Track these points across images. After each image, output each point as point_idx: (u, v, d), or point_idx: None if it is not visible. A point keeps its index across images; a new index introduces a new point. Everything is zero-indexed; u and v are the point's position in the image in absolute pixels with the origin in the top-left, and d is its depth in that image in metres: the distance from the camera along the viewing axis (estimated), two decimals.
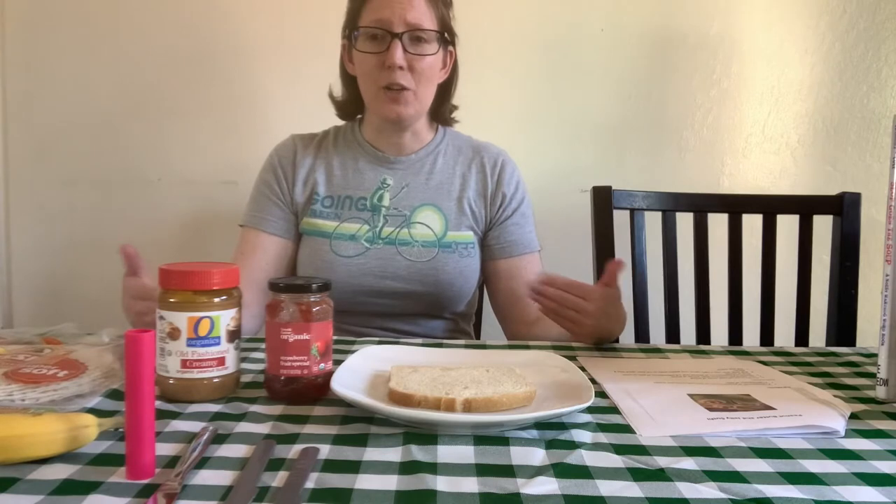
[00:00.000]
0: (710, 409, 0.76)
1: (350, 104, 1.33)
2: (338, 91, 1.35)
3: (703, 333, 1.44)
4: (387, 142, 1.30)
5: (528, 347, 1.03)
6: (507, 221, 1.30)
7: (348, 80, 1.31)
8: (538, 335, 1.20)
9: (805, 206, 1.48)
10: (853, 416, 0.76)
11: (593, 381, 0.85)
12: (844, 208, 1.46)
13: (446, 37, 1.24)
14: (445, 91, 1.31)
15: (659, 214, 1.46)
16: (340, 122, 1.37)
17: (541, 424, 0.70)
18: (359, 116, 1.35)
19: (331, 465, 0.60)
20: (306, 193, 1.28)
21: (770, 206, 1.48)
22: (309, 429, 0.68)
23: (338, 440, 0.65)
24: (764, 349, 1.11)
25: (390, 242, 1.25)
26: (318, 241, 1.25)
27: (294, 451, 0.63)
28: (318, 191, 1.28)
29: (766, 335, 1.45)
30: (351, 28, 1.24)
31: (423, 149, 1.31)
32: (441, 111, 1.33)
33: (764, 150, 1.77)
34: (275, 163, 1.31)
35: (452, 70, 1.31)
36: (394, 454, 0.62)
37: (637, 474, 0.59)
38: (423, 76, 1.21)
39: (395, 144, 1.30)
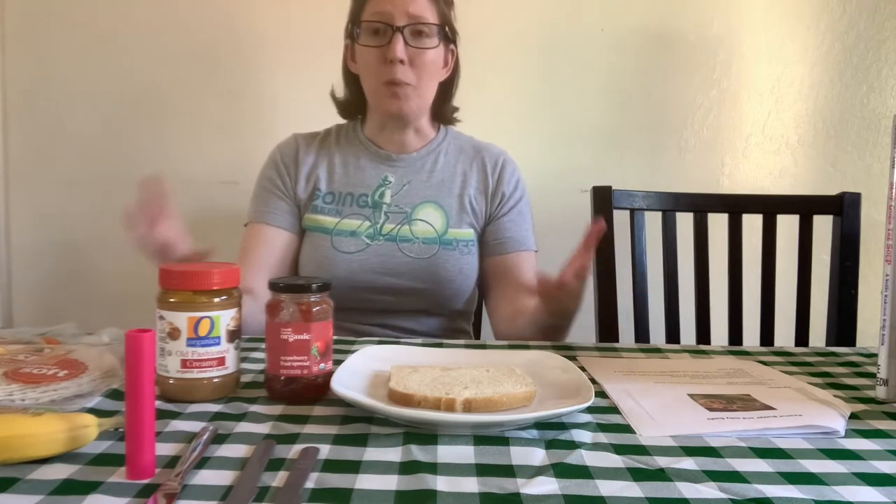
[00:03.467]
0: (710, 409, 0.76)
1: (352, 103, 1.34)
2: (340, 91, 1.35)
3: (703, 333, 1.44)
4: (389, 139, 1.30)
5: (528, 347, 1.03)
6: (503, 218, 1.31)
7: (350, 78, 1.32)
8: (517, 330, 1.20)
9: (805, 206, 1.48)
10: (853, 416, 0.76)
11: (593, 381, 0.85)
12: (844, 208, 1.46)
13: (447, 33, 1.25)
14: (447, 90, 1.32)
15: (659, 214, 1.46)
16: (341, 121, 1.37)
17: (541, 424, 0.70)
18: (360, 116, 1.36)
19: (331, 465, 0.60)
20: (308, 189, 1.29)
21: (770, 206, 1.48)
22: (309, 429, 0.68)
23: (338, 440, 0.65)
24: (764, 349, 1.11)
25: (391, 239, 1.25)
26: (319, 237, 1.25)
27: (294, 451, 0.63)
28: (320, 187, 1.28)
29: (766, 335, 1.44)
30: (353, 23, 1.25)
31: (424, 147, 1.32)
32: (443, 110, 1.33)
33: (764, 150, 1.77)
34: (277, 159, 1.31)
35: (454, 69, 1.31)
36: (394, 454, 0.62)
37: (637, 474, 0.59)
38: (425, 71, 1.22)
39: (397, 142, 1.30)
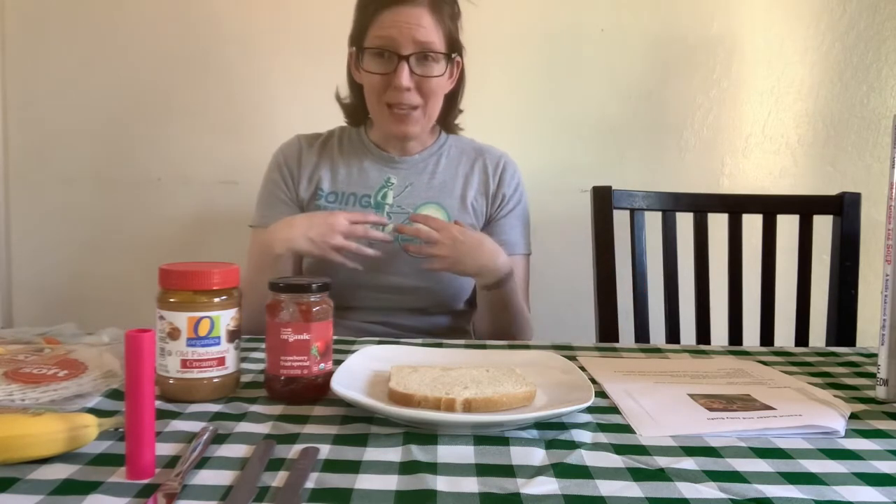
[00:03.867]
0: (710, 409, 0.76)
1: (357, 109, 1.34)
2: (344, 93, 1.35)
3: (703, 333, 1.44)
4: (392, 144, 1.31)
5: (528, 347, 1.03)
6: (501, 220, 1.31)
7: (355, 87, 1.31)
8: (478, 329, 1.24)
9: (805, 206, 1.48)
10: (853, 416, 0.76)
11: (593, 381, 0.85)
12: (844, 208, 1.46)
13: (452, 55, 1.24)
14: (452, 100, 1.32)
15: (659, 214, 1.46)
16: (343, 123, 1.37)
17: (541, 424, 0.70)
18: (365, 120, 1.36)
19: (331, 465, 0.60)
20: (311, 189, 1.29)
21: (770, 206, 1.48)
22: (309, 429, 0.68)
23: (338, 440, 0.65)
24: (764, 349, 1.11)
25: (393, 238, 1.25)
26: None
27: (294, 451, 0.63)
28: (323, 187, 1.29)
29: (766, 335, 1.44)
30: (357, 44, 1.24)
31: (426, 149, 1.32)
32: (447, 120, 1.33)
33: (764, 150, 1.77)
34: (280, 161, 1.31)
35: (459, 79, 1.31)
36: (394, 454, 0.62)
37: (637, 474, 0.59)
38: (431, 94, 1.22)
39: (399, 147, 1.31)
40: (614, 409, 0.76)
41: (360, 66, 1.23)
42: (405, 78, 1.17)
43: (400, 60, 1.17)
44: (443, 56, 1.21)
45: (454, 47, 1.25)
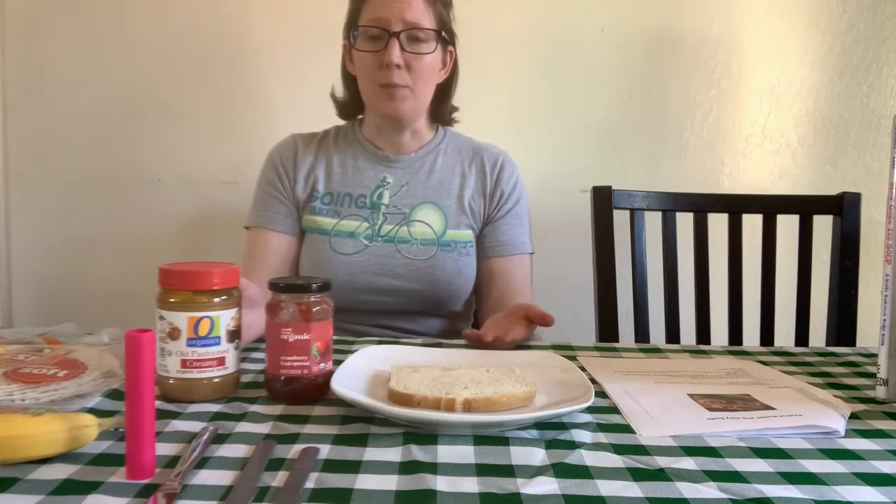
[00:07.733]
0: (710, 409, 0.76)
1: (351, 104, 1.34)
2: (339, 91, 1.35)
3: (703, 333, 1.44)
4: (387, 140, 1.30)
5: (528, 347, 1.03)
6: (500, 220, 1.30)
7: (349, 80, 1.32)
8: None
9: (805, 206, 1.48)
10: (853, 416, 0.76)
11: (593, 381, 0.85)
12: (844, 208, 1.46)
13: (444, 36, 1.25)
14: (445, 91, 1.31)
15: (659, 214, 1.46)
16: (341, 122, 1.37)
17: (541, 424, 0.70)
18: (359, 117, 1.36)
19: (331, 465, 0.60)
20: (307, 190, 1.29)
21: (770, 206, 1.48)
22: (309, 429, 0.68)
23: (338, 440, 0.65)
24: (764, 349, 1.11)
25: (389, 240, 1.25)
26: (317, 238, 1.25)
27: (294, 451, 0.63)
28: (318, 188, 1.28)
29: (766, 335, 1.44)
30: (350, 28, 1.25)
31: (422, 148, 1.32)
32: (441, 111, 1.33)
33: (764, 150, 1.77)
34: (276, 161, 1.31)
35: (452, 70, 1.31)
36: (394, 454, 0.62)
37: (637, 474, 0.59)
38: (421, 75, 1.22)
39: (394, 143, 1.30)
40: (614, 409, 0.76)
41: (354, 47, 1.23)
42: (395, 54, 1.18)
43: (390, 38, 1.18)
44: (433, 35, 1.22)
45: (446, 32, 1.25)
